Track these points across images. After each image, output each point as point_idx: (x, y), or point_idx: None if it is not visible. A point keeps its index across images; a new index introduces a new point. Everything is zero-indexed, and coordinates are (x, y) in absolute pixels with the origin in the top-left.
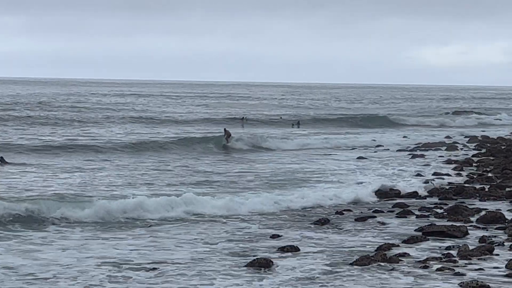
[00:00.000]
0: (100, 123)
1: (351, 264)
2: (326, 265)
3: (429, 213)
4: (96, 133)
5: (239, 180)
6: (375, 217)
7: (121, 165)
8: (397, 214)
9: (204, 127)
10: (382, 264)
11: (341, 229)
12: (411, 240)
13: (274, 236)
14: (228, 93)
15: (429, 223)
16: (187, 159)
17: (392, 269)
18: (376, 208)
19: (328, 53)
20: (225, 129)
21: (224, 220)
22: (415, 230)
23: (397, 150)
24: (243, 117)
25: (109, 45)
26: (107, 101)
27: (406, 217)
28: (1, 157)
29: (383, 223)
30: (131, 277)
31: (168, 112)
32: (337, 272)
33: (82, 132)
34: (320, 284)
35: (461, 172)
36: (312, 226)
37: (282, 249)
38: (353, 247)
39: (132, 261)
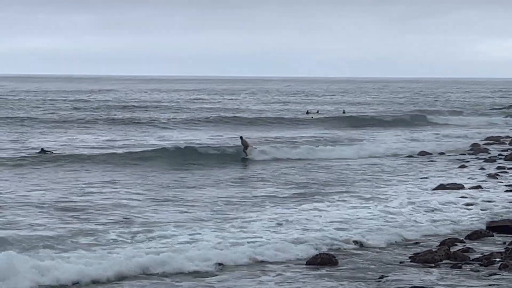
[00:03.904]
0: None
1: (413, 258)
2: (388, 258)
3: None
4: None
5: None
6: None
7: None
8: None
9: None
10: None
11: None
12: (475, 235)
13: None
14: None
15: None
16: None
17: (454, 265)
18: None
19: (396, 48)
20: (241, 138)
21: None
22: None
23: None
24: (308, 112)
25: (175, 42)
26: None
27: (470, 209)
28: (42, 148)
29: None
30: None
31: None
32: (399, 266)
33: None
34: (379, 276)
35: None
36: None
37: (346, 242)
38: (418, 241)
39: None
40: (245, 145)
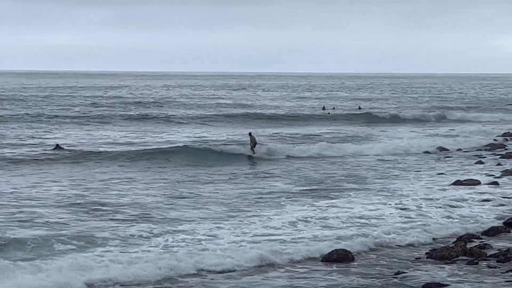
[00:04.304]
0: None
1: (430, 255)
2: (405, 255)
3: None
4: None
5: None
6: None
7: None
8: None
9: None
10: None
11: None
12: (491, 232)
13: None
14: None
15: None
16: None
17: (471, 261)
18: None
19: (412, 43)
20: (250, 134)
21: None
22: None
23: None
24: (324, 108)
25: (191, 38)
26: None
27: (487, 206)
28: (57, 144)
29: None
30: None
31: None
32: (416, 262)
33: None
34: (394, 273)
35: None
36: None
37: (363, 238)
38: (435, 238)
39: None
40: (253, 142)
